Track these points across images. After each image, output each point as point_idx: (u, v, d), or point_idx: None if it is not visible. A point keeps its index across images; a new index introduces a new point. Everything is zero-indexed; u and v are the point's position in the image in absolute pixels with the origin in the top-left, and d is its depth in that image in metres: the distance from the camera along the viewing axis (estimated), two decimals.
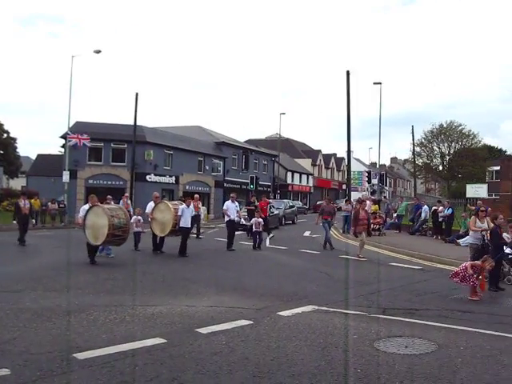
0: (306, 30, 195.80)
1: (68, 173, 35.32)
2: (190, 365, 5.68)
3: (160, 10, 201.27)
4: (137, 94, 37.66)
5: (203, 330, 7.06)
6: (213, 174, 49.03)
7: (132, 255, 16.36)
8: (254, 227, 19.55)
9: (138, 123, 38.19)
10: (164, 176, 42.69)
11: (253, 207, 24.26)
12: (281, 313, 8.28)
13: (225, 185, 50.90)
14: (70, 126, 36.93)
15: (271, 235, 22.74)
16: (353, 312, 8.57)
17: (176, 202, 18.20)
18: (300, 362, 5.84)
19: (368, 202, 26.33)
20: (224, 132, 61.30)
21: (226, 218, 19.31)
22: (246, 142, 66.35)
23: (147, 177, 40.78)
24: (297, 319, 7.92)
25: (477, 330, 7.47)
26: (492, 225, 12.53)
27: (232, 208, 19.35)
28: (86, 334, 6.86)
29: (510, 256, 12.60)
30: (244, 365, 5.71)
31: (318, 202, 70.13)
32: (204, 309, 8.59)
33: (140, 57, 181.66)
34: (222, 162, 50.55)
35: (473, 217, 13.93)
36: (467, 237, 21.21)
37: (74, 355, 5.85)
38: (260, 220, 19.73)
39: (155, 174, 41.63)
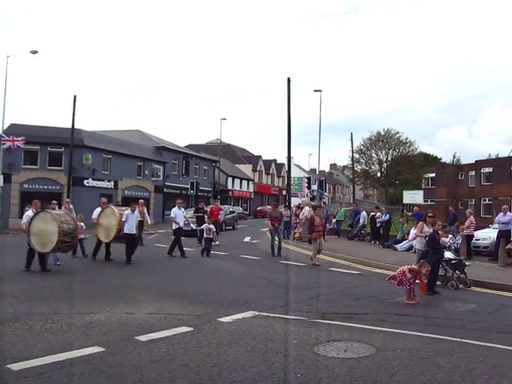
0: (250, 34, 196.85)
1: (2, 177, 34.10)
2: (129, 373, 5.58)
3: (97, 11, 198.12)
4: (75, 97, 36.95)
5: (143, 338, 6.96)
6: (152, 178, 48.49)
7: (71, 262, 15.91)
8: (204, 233, 19.05)
9: (75, 126, 37.39)
10: (102, 181, 41.85)
11: (202, 213, 23.81)
12: (221, 319, 8.26)
13: (164, 190, 50.43)
14: (5, 128, 35.76)
15: (217, 243, 22.50)
16: (293, 317, 8.64)
17: (123, 208, 17.76)
18: (241, 368, 5.83)
19: (307, 207, 26.67)
20: (164, 137, 60.87)
21: (174, 226, 18.73)
22: (186, 146, 66.04)
23: (85, 181, 39.85)
24: (237, 325, 7.92)
25: (413, 333, 7.65)
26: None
27: (180, 215, 18.86)
28: (21, 343, 6.65)
29: (453, 261, 12.90)
30: (184, 372, 5.66)
31: (258, 208, 70.53)
32: (143, 316, 8.47)
33: (78, 59, 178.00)
34: (161, 167, 50.08)
35: (420, 222, 14.25)
36: (404, 241, 21.87)
37: (8, 366, 5.65)
38: (211, 226, 19.24)
39: (93, 179, 40.76)
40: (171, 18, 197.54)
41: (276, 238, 19.70)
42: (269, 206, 74.14)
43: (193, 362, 6.00)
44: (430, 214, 14.31)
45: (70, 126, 36.73)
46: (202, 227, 19.66)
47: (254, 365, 5.96)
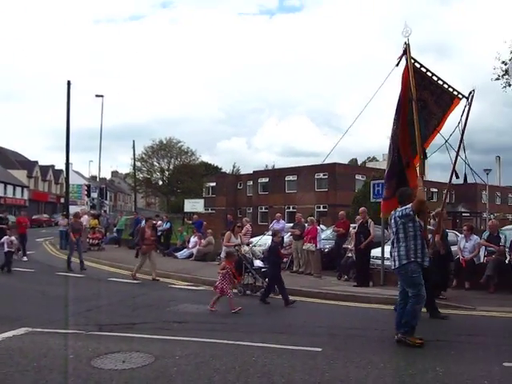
0: (29, 31, 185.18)
1: None
2: None
3: None
4: None
5: None
6: None
7: None
8: (5, 246, 16.75)
9: None
10: None
11: (4, 225, 21.15)
12: None
13: None
14: None
15: (25, 258, 20.21)
16: (70, 331, 8.27)
17: None
18: None
19: (86, 216, 25.89)
20: None
21: None
22: None
23: None
24: (7, 344, 7.34)
25: (192, 339, 7.80)
26: (244, 240, 13.18)
27: None
28: None
29: (262, 270, 12.93)
30: None
31: (33, 217, 66.57)
32: None
33: None
34: None
35: (228, 232, 14.30)
36: (184, 249, 22.29)
37: None
38: (12, 238, 17.12)
39: None
40: None
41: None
42: (46, 215, 70.75)
43: None
44: (238, 224, 14.55)
45: None
46: (1, 240, 17.21)
47: None
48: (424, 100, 9.60)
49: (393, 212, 8.25)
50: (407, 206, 7.84)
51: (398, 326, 7.91)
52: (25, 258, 20.24)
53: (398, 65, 9.51)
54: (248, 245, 14.56)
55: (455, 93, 10.10)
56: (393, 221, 8.06)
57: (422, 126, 9.43)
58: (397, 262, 7.88)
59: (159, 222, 25.28)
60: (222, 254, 14.19)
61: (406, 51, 9.36)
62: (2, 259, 16.71)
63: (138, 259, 15.46)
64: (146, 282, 15.12)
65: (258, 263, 13.38)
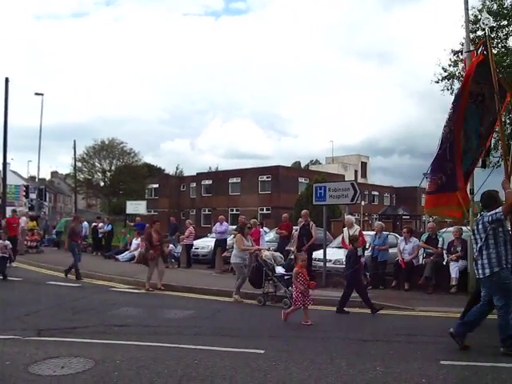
0: None
1: None
2: None
3: None
4: None
5: None
6: None
7: None
8: None
9: None
10: None
11: None
12: None
13: None
14: None
15: (13, 264, 18.17)
16: (5, 337, 7.98)
17: None
18: None
19: (24, 217, 25.18)
20: None
21: None
22: None
23: None
24: None
25: (133, 343, 7.70)
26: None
27: None
28: None
29: (286, 277, 11.71)
30: None
31: None
32: None
33: None
34: None
35: (239, 235, 13.03)
36: (126, 252, 21.95)
37: None
38: (7, 242, 15.73)
39: None
40: None
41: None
42: None
43: None
44: (248, 225, 14.14)
45: None
46: None
47: None
48: (483, 94, 9.25)
49: (479, 217, 7.84)
50: (497, 211, 7.35)
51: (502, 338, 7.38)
52: (13, 264, 18.19)
53: (479, 53, 9.07)
54: (269, 249, 13.43)
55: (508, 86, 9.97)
56: (480, 226, 7.55)
57: (476, 122, 9.24)
58: (487, 270, 7.36)
59: (100, 224, 24.85)
60: (233, 259, 12.91)
61: (487, 42, 8.93)
62: None
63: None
64: (85, 285, 14.83)
65: (279, 270, 11.99)
